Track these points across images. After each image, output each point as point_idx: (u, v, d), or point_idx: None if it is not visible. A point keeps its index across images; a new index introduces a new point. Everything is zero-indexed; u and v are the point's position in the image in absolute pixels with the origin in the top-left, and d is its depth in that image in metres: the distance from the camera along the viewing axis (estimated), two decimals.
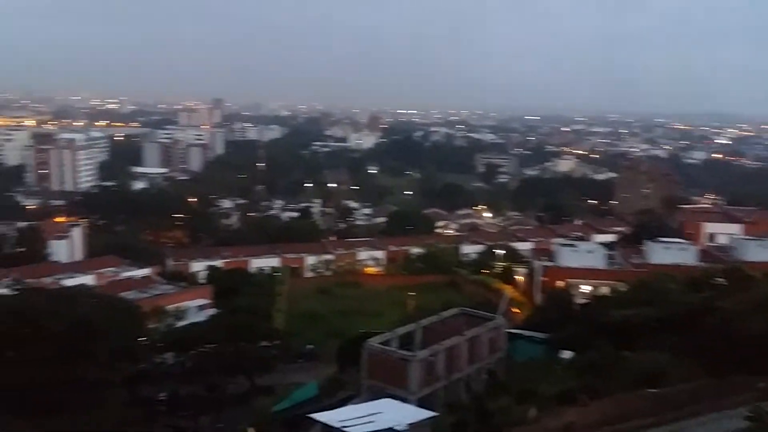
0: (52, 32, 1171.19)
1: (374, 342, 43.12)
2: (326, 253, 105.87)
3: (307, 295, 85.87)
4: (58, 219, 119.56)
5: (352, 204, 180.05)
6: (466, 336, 45.07)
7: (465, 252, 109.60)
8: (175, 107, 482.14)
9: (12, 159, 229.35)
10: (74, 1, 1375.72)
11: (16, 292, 59.06)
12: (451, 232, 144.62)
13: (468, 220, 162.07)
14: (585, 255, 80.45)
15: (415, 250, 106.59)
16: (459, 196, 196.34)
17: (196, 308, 71.98)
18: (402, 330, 46.06)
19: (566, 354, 44.89)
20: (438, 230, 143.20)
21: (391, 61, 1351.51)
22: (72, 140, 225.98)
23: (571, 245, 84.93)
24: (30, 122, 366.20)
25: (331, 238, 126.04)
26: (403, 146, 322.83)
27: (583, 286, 72.06)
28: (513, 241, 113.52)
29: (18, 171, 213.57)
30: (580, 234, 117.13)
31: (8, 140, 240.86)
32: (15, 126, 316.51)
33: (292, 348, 64.10)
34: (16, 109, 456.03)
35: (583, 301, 59.30)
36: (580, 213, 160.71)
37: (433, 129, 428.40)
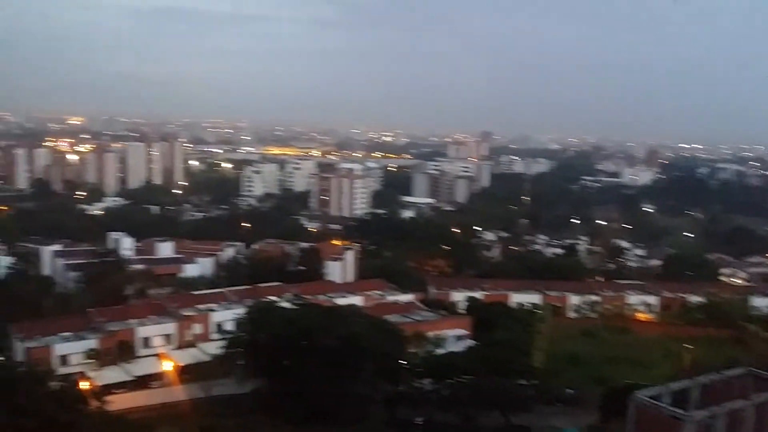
0: (338, 71, 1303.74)
1: (643, 395, 40.23)
2: (592, 293, 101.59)
3: (569, 335, 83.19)
4: (334, 242, 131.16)
5: (623, 244, 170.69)
6: (754, 401, 39.95)
7: (756, 305, 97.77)
8: (445, 140, 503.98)
9: (299, 185, 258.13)
10: (362, 44, 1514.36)
11: (296, 307, 65.76)
12: (739, 281, 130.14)
13: (760, 269, 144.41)
14: None
15: (695, 299, 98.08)
16: (750, 241, 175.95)
17: (454, 338, 73.64)
18: (676, 385, 42.43)
19: None
20: (723, 278, 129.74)
21: (671, 93, 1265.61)
22: (350, 170, 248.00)
23: None
24: (316, 153, 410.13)
25: (597, 279, 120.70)
26: (684, 183, 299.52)
27: None
28: None
29: (303, 196, 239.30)
30: None
31: (297, 169, 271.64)
32: (303, 156, 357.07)
33: (551, 390, 62.44)
34: (304, 141, 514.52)
35: None
36: None
37: (721, 165, 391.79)
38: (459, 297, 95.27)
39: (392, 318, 73.60)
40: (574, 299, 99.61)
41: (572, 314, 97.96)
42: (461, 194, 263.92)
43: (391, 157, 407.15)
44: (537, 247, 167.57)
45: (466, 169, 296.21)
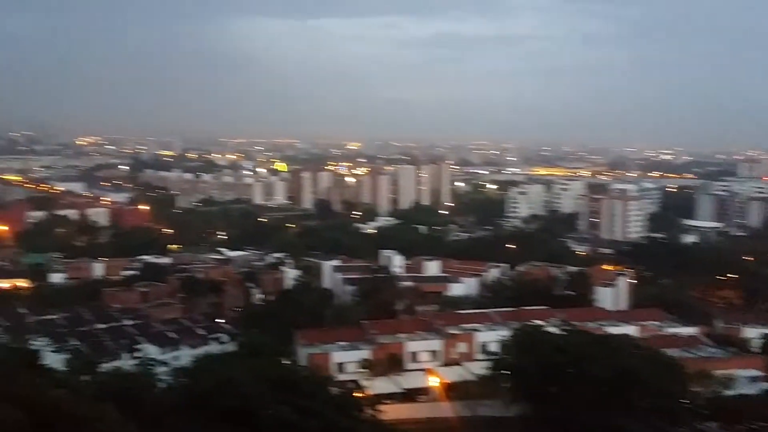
0: (607, 87, 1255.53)
1: None
2: None
3: None
4: (604, 266, 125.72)
5: None
6: None
7: None
8: (734, 157, 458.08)
9: (567, 207, 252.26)
10: (632, 57, 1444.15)
11: (564, 333, 64.07)
12: None
13: None
14: None
15: None
16: None
17: (747, 379, 66.11)
18: None
19: None
20: None
21: None
22: (624, 191, 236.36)
23: None
24: (585, 173, 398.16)
25: None
26: None
27: None
28: None
29: (571, 218, 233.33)
30: None
31: (565, 189, 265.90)
32: (571, 176, 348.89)
33: None
34: (573, 161, 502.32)
35: None
36: None
37: None
38: (752, 333, 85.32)
39: (671, 352, 68.21)
40: None
41: None
42: (754, 218, 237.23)
43: (671, 177, 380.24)
44: None
45: (760, 190, 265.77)
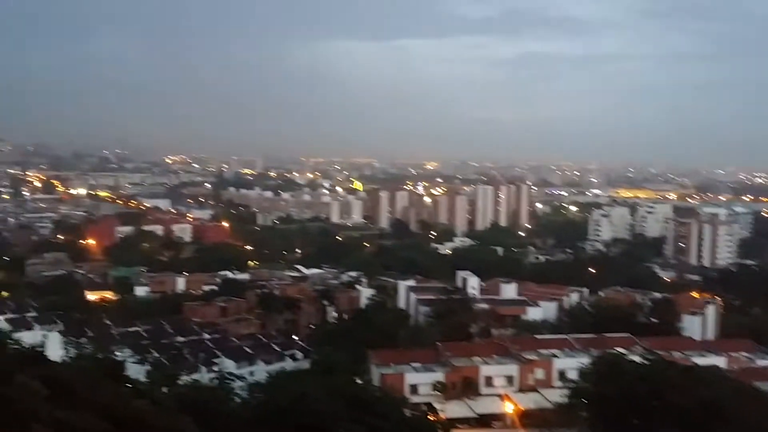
0: (696, 107, 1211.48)
1: None
2: None
3: None
4: (692, 294, 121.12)
5: None
6: None
7: None
8: None
9: (652, 231, 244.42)
10: (725, 76, 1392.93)
11: (647, 362, 61.83)
12: None
13: None
14: None
15: None
16: None
17: None
18: None
19: None
20: None
21: None
22: (714, 215, 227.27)
23: None
24: (672, 195, 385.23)
25: None
26: None
27: None
28: None
29: (657, 243, 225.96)
30: None
31: (650, 212, 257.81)
32: (657, 199, 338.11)
33: None
34: (659, 183, 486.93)
35: None
36: None
37: None
38: None
39: (762, 385, 64.76)
40: None
41: None
42: None
43: (765, 201, 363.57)
44: None
45: None
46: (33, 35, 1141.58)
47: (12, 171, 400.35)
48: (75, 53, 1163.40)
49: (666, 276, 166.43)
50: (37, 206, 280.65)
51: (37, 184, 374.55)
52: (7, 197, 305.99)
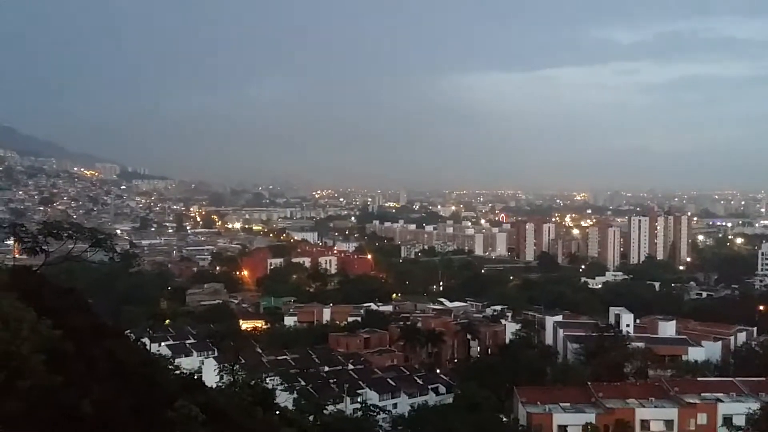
0: None
1: None
2: None
3: None
4: None
5: None
6: None
7: None
8: None
9: None
10: None
11: None
12: None
13: None
14: None
15: None
16: None
17: None
18: None
19: None
20: None
21: None
22: None
23: None
24: None
25: None
26: None
27: None
28: None
29: None
30: None
31: None
32: None
33: None
34: None
35: None
36: None
37: None
38: None
39: None
40: None
41: None
42: None
43: None
44: None
45: None
46: (198, 82, 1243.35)
47: (176, 207, 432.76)
48: (235, 97, 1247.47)
49: None
50: (197, 239, 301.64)
51: (198, 219, 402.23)
52: (171, 231, 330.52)
